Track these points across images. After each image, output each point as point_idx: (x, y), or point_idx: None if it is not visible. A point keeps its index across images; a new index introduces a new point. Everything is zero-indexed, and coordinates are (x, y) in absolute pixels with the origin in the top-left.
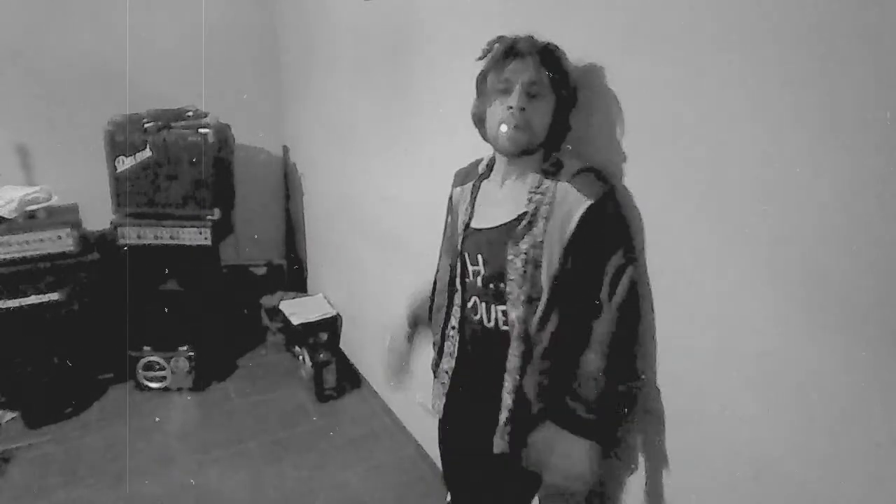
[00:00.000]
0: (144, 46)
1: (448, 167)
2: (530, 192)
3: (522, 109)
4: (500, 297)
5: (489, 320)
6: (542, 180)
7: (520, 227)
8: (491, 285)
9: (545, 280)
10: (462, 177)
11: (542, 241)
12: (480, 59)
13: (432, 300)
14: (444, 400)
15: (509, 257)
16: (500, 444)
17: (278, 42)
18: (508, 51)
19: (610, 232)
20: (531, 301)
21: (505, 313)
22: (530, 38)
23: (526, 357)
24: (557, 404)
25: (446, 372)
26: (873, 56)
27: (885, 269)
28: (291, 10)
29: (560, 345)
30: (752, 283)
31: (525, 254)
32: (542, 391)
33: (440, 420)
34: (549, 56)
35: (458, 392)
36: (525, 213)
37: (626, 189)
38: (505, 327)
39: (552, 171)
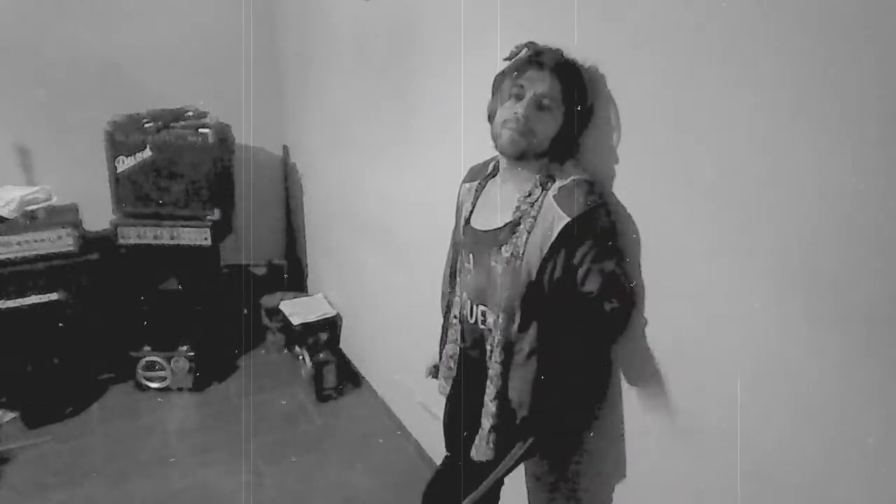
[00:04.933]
0: (144, 46)
1: (447, 167)
2: (518, 201)
3: (527, 118)
4: (482, 298)
5: (472, 317)
6: (532, 190)
7: (503, 235)
8: (478, 285)
9: (521, 290)
10: (473, 173)
11: (523, 252)
12: (507, 59)
13: (443, 288)
14: (450, 382)
15: (492, 263)
16: (483, 450)
17: (278, 42)
18: (531, 59)
19: (585, 251)
20: (508, 309)
21: (484, 314)
22: (557, 52)
23: (506, 365)
24: (541, 413)
25: (451, 357)
26: (873, 55)
27: (884, 269)
28: (291, 11)
29: (542, 354)
30: (751, 284)
31: (506, 262)
32: (526, 399)
33: (447, 397)
34: (569, 73)
35: (458, 376)
36: (510, 222)
37: (619, 202)
38: (483, 326)
39: (545, 182)
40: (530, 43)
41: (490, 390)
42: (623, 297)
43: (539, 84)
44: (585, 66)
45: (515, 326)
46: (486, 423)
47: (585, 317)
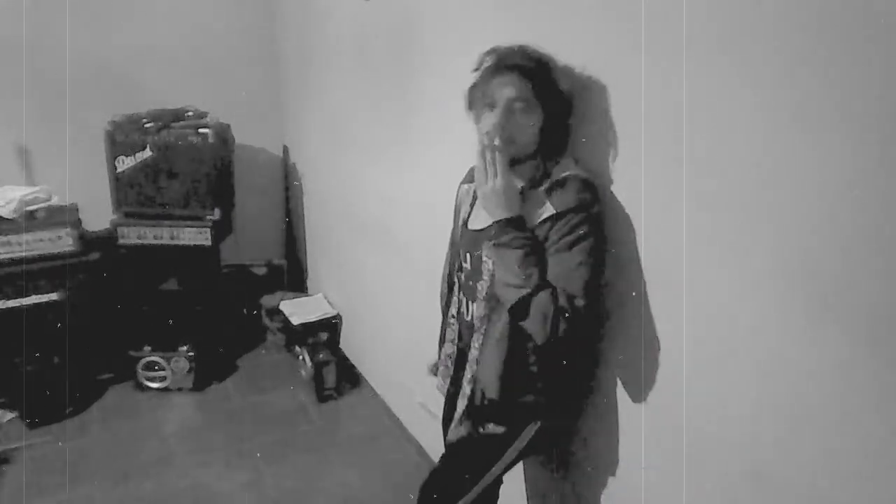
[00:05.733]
0: (144, 46)
1: (447, 167)
2: None
3: (503, 127)
4: (474, 294)
5: (468, 315)
6: (525, 188)
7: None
8: (470, 282)
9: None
10: (471, 175)
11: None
12: (475, 70)
13: (441, 288)
14: (448, 382)
15: (484, 258)
16: (456, 431)
17: (278, 42)
18: (496, 65)
19: (556, 240)
20: (489, 297)
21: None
22: (519, 51)
23: (482, 350)
24: (508, 397)
25: (449, 356)
26: (873, 55)
27: (884, 269)
28: (291, 10)
29: (513, 339)
30: (751, 284)
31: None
32: (494, 382)
33: (446, 396)
34: (535, 69)
35: (456, 376)
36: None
37: (618, 201)
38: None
39: (540, 179)
40: (493, 49)
41: (467, 374)
42: (588, 296)
43: (507, 89)
44: (570, 64)
45: (493, 312)
46: (461, 404)
47: (549, 308)
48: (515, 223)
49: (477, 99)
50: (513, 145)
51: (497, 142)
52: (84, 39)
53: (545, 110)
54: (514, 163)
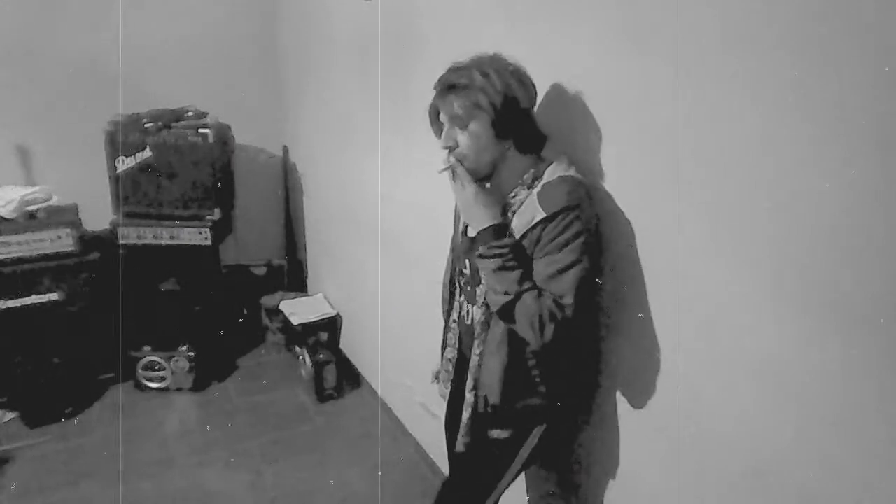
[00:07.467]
0: (144, 46)
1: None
2: (505, 199)
3: (454, 146)
4: (474, 298)
5: (468, 318)
6: (518, 191)
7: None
8: (469, 287)
9: None
10: None
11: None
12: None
13: (443, 294)
14: (449, 386)
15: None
16: (463, 440)
17: (278, 42)
18: (436, 97)
19: (546, 243)
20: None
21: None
22: (449, 71)
23: (483, 355)
24: (511, 401)
25: (449, 360)
26: (873, 57)
27: (883, 270)
28: (291, 10)
29: (512, 342)
30: (751, 285)
31: None
32: (497, 386)
33: (447, 401)
34: (464, 82)
35: (456, 380)
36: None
37: (615, 203)
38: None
39: (531, 182)
40: (435, 84)
41: (469, 381)
42: (577, 294)
43: (446, 107)
44: (519, 65)
45: (491, 317)
46: (465, 414)
47: (535, 312)
48: (494, 231)
49: (439, 132)
50: (469, 161)
51: (452, 158)
52: (84, 39)
53: (496, 109)
54: (486, 177)
